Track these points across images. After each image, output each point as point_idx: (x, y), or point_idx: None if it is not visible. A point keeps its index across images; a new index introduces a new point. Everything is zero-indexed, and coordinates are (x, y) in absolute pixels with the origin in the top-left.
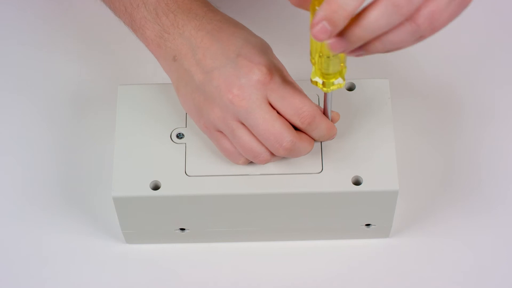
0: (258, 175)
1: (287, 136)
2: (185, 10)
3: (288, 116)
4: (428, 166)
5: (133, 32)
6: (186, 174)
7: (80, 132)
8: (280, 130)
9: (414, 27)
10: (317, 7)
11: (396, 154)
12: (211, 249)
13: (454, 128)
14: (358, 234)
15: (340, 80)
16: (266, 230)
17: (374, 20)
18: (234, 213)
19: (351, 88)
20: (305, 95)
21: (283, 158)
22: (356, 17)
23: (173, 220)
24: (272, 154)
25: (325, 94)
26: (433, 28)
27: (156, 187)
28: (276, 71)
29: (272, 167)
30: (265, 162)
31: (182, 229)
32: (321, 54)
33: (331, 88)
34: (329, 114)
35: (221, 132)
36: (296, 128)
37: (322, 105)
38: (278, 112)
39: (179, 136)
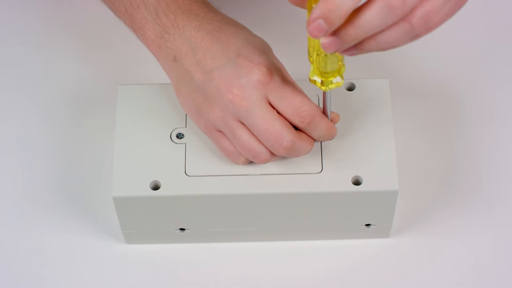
0: (258, 175)
1: (287, 135)
2: (186, 11)
3: (288, 116)
4: (428, 166)
5: (133, 32)
6: (186, 174)
7: (80, 132)
8: (280, 129)
9: (409, 27)
10: (314, 5)
11: (396, 154)
12: (211, 249)
13: (454, 128)
14: (358, 234)
15: (338, 78)
16: (266, 230)
17: (368, 20)
18: (234, 213)
19: (351, 88)
20: (305, 95)
21: (283, 158)
22: (351, 17)
23: (173, 220)
24: (272, 154)
25: (324, 94)
26: (428, 28)
27: (156, 187)
28: (276, 71)
29: (272, 167)
30: (265, 161)
31: (182, 229)
32: (318, 52)
33: (330, 86)
34: (329, 113)
35: (221, 132)
36: (296, 128)
37: (322, 105)
38: (278, 112)
39: (179, 136)
